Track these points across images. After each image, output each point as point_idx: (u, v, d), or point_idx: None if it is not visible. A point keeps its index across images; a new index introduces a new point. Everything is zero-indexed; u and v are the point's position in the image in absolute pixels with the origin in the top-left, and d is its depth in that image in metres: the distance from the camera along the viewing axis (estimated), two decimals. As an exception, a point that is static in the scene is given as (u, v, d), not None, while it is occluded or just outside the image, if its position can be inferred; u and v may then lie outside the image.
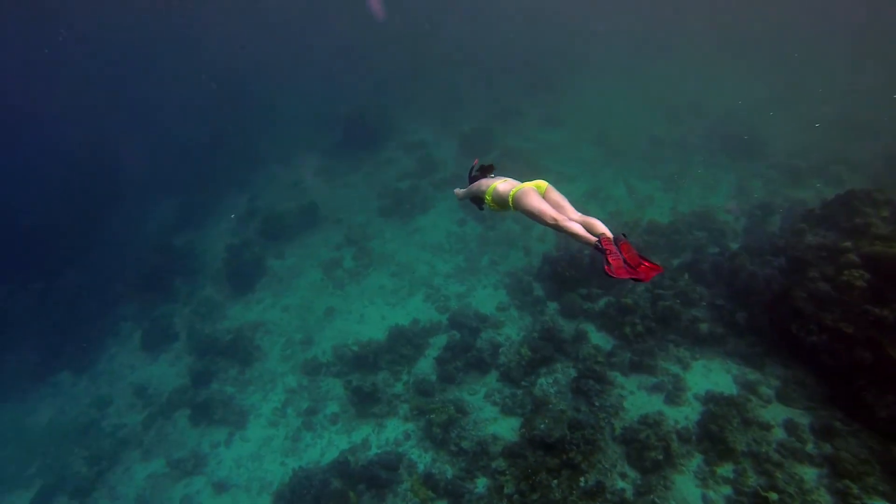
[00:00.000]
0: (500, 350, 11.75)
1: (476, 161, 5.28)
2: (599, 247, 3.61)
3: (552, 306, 12.87)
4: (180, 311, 17.13)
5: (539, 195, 4.23)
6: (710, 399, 9.05)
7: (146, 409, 14.04)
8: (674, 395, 9.46)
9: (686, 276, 11.74)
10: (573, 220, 4.03)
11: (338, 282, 16.17)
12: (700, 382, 9.60)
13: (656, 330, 10.92)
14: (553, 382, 10.78)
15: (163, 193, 25.39)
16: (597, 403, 9.71)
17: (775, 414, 8.50)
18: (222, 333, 14.91)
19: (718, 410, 8.60)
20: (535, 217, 4.08)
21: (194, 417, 12.98)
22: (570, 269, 12.92)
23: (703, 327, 10.38)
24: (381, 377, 12.20)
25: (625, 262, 3.47)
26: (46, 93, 38.01)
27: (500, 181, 4.63)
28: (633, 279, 3.48)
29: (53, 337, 18.01)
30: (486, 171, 5.13)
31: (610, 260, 3.49)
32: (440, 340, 12.75)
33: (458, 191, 5.53)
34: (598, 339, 11.49)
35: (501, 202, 4.49)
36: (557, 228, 3.92)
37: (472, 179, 5.16)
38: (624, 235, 3.67)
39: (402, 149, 22.90)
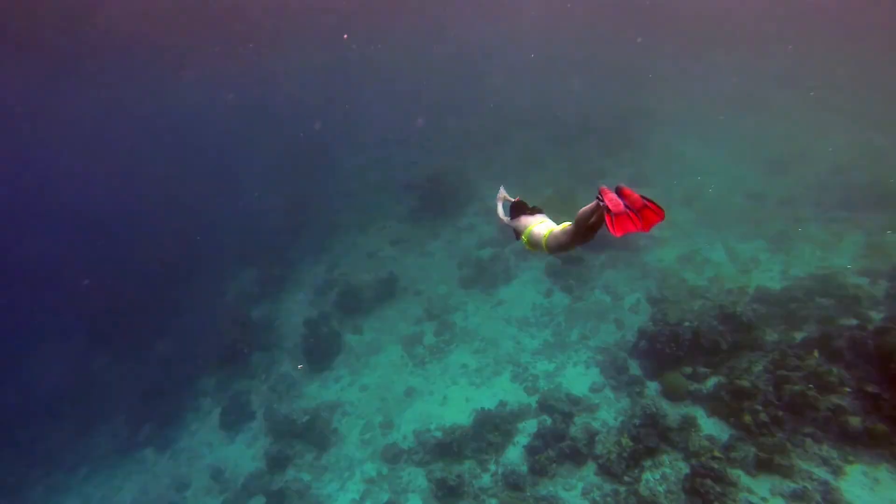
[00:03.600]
0: (597, 438, 10.48)
1: (517, 198, 5.32)
2: (599, 198, 3.25)
3: (652, 387, 11.52)
4: (258, 387, 16.96)
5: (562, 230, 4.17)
6: (889, 525, 7.27)
7: (222, 494, 13.67)
8: (826, 509, 7.81)
9: (816, 353, 10.09)
10: None
11: (418, 359, 15.41)
12: (864, 497, 7.78)
13: (786, 420, 9.33)
14: (661, 479, 9.43)
15: (242, 262, 25.51)
16: (721, 510, 8.29)
17: None
18: (299, 414, 14.46)
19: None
20: (565, 247, 4.10)
21: (269, 508, 12.44)
22: (670, 344, 11.61)
23: (854, 421, 8.64)
24: (466, 467, 11.23)
25: (626, 206, 3.05)
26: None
27: (536, 223, 4.63)
28: (634, 230, 3.04)
29: (141, 410, 18.39)
30: (525, 207, 5.09)
31: (608, 203, 3.08)
32: (530, 426, 11.69)
33: (502, 215, 5.55)
34: (711, 426, 10.02)
35: (536, 245, 4.50)
36: (575, 231, 3.76)
37: (514, 210, 5.18)
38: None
39: (481, 214, 22.06)
